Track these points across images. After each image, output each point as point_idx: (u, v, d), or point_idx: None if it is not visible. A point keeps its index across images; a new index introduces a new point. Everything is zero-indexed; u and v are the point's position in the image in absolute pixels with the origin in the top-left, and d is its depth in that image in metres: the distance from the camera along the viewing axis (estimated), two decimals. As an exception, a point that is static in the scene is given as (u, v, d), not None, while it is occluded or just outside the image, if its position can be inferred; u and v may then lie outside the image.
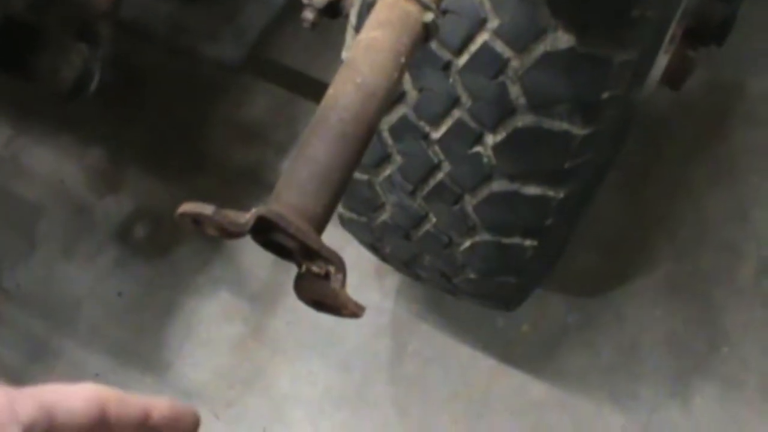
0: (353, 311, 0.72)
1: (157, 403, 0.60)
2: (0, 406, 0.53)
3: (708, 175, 2.11)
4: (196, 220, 0.71)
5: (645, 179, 2.12)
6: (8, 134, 2.25)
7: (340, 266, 0.71)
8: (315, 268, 0.72)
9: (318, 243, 0.71)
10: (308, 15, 1.56)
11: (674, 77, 1.67)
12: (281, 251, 0.74)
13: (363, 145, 0.75)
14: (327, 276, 0.72)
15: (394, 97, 0.77)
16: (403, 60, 0.78)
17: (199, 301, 2.06)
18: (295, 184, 0.73)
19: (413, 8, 0.81)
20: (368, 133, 0.75)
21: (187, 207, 0.70)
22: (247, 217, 0.69)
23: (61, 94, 1.53)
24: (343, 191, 0.75)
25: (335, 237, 1.80)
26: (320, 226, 0.73)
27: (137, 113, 2.25)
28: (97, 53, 1.54)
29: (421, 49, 1.15)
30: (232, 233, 0.70)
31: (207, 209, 0.69)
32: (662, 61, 1.61)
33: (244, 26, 2.33)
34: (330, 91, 0.76)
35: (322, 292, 0.72)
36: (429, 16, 0.81)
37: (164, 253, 2.12)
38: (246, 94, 2.25)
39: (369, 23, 0.80)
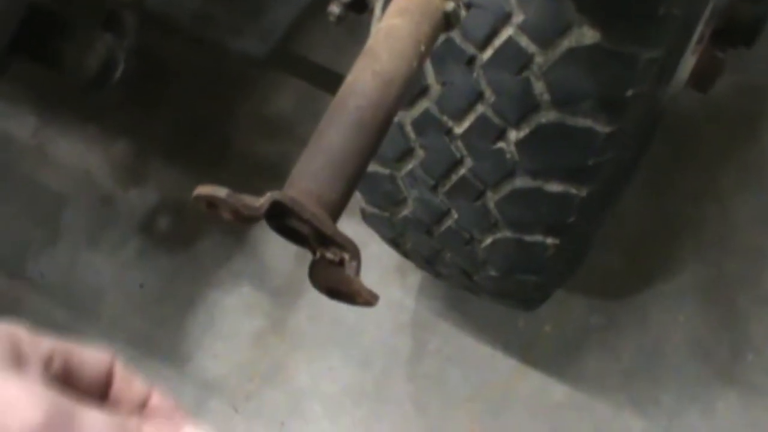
0: (367, 299, 0.72)
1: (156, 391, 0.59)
2: (24, 337, 0.53)
3: (735, 179, 2.08)
4: (211, 203, 0.71)
5: (671, 181, 2.10)
6: (34, 124, 2.27)
7: (355, 253, 0.71)
8: (329, 255, 0.71)
9: (332, 229, 0.71)
10: (334, 9, 1.55)
11: (702, 79, 1.66)
12: (296, 237, 0.73)
13: (380, 133, 0.74)
14: (341, 263, 0.71)
15: (413, 85, 0.76)
16: (423, 48, 0.77)
17: (221, 294, 2.06)
18: (310, 171, 0.73)
19: (434, -4, 0.80)
20: (386, 121, 0.74)
21: (202, 189, 0.70)
22: (261, 201, 0.69)
23: (85, 83, 1.53)
24: (359, 179, 0.74)
25: (358, 233, 1.81)
26: (335, 213, 0.73)
27: (163, 106, 2.26)
28: (123, 43, 1.54)
29: (441, 38, 1.16)
30: (247, 217, 0.70)
31: (221, 192, 0.69)
32: (690, 62, 1.59)
33: (270, 20, 2.32)
34: (348, 79, 0.75)
35: (336, 279, 0.72)
36: (450, 5, 0.81)
37: (187, 245, 2.12)
38: (271, 89, 2.25)
39: (390, 11, 0.80)
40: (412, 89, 1.23)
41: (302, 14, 2.24)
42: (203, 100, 2.27)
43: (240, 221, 0.71)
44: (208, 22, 2.33)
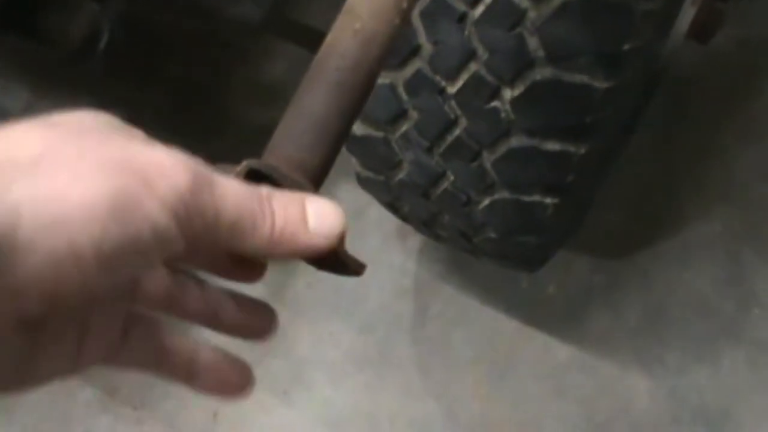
0: (354, 269, 0.69)
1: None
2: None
3: (737, 133, 2.05)
4: None
5: (672, 137, 2.07)
6: (27, 98, 2.24)
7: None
8: (312, 223, 0.68)
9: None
10: (324, -31, 1.53)
11: (702, 30, 1.62)
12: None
13: (363, 94, 0.71)
14: (326, 232, 0.69)
15: (397, 42, 0.73)
16: (405, 5, 0.74)
17: (220, 264, 2.05)
18: (290, 136, 0.70)
19: (416, -49, 0.77)
20: (368, 81, 0.71)
21: None
22: (237, 169, 0.66)
23: (70, 55, 1.50)
24: (342, 143, 0.71)
25: (358, 198, 1.80)
26: (317, 180, 0.70)
27: (156, 74, 2.23)
28: (107, 12, 1.51)
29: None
30: None
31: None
32: (689, 13, 1.56)
33: (264, -15, 2.30)
34: (328, 39, 0.72)
35: (320, 248, 0.69)
36: (433, -41, 0.78)
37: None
38: (266, 55, 2.22)
39: (369, -33, 0.76)
40: (398, 47, 1.20)
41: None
42: (197, 68, 2.24)
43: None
44: (200, -13, 2.30)
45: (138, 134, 0.56)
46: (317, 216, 0.60)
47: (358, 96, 0.71)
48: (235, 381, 0.66)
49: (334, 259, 0.70)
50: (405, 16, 0.74)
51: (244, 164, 0.66)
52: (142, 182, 0.48)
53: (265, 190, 0.58)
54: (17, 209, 0.44)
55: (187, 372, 0.63)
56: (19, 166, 0.46)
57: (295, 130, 0.71)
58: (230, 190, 0.55)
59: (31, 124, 0.50)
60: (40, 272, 0.44)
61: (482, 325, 1.95)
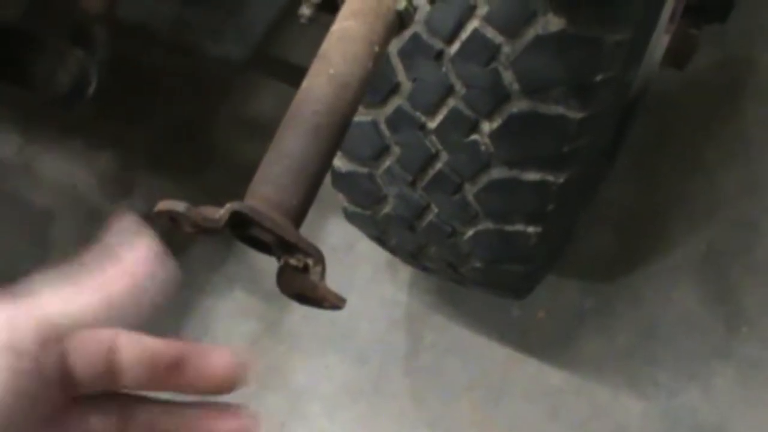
0: (334, 303, 0.72)
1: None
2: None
3: (721, 152, 2.08)
4: (172, 217, 0.71)
5: (657, 159, 2.10)
6: (18, 142, 2.26)
7: (319, 259, 0.71)
8: (293, 262, 0.71)
9: (295, 236, 0.70)
10: (305, 11, 1.55)
11: (677, 57, 1.65)
12: (260, 245, 0.73)
13: (338, 136, 0.74)
14: (306, 269, 0.71)
15: (368, 86, 0.76)
16: (377, 49, 0.77)
17: (215, 300, 2.07)
18: (270, 178, 0.73)
19: (386, -4, 0.80)
20: (343, 124, 0.74)
21: (163, 205, 0.70)
22: (221, 212, 0.69)
23: (59, 100, 1.53)
24: (320, 183, 0.74)
25: (348, 232, 1.82)
26: (297, 219, 0.73)
27: (144, 114, 2.26)
28: (94, 57, 1.54)
29: (408, 33, 1.16)
30: (208, 229, 0.70)
31: (180, 206, 0.69)
32: (663, 40, 1.59)
33: (248, 23, 2.33)
34: (303, 84, 0.75)
35: (302, 285, 0.72)
36: (402, 4, 0.80)
37: (178, 252, 2.11)
38: (252, 92, 2.25)
39: (342, 14, 0.80)
40: (378, 85, 1.23)
41: (278, 16, 2.25)
42: (184, 107, 2.26)
43: (202, 233, 0.71)
44: (186, 28, 2.33)
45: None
46: None
47: (334, 138, 0.74)
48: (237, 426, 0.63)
49: (314, 294, 0.73)
50: (377, 60, 0.77)
51: (228, 207, 0.69)
52: None
53: None
54: None
55: None
56: None
57: (275, 173, 0.74)
58: None
59: None
60: None
61: (475, 352, 1.96)
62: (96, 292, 0.58)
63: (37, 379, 0.53)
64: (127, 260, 0.60)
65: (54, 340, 0.55)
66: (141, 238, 0.61)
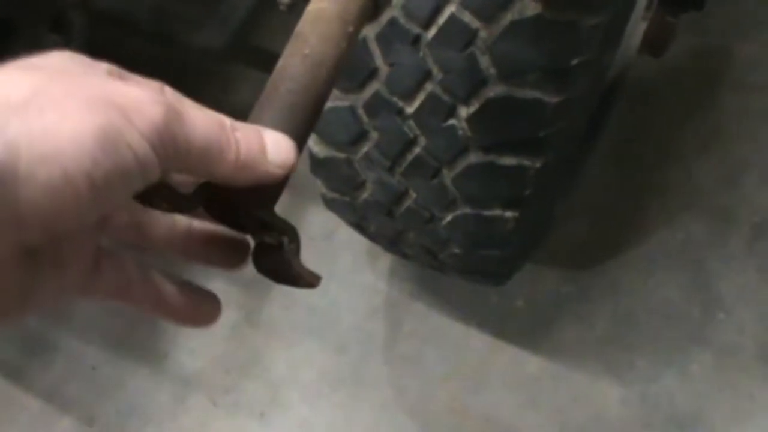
0: (309, 281, 0.72)
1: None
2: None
3: (697, 141, 2.10)
4: (146, 194, 0.71)
5: (634, 148, 2.11)
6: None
7: (293, 236, 0.71)
8: (268, 239, 0.71)
9: (269, 213, 0.71)
10: (283, -2, 1.56)
11: (654, 44, 1.66)
12: (235, 223, 0.73)
13: (314, 114, 0.74)
14: (281, 246, 0.71)
15: (343, 65, 0.76)
16: (351, 29, 0.77)
17: (193, 290, 2.06)
18: (245, 157, 0.73)
19: (361, -23, 0.80)
20: (317, 103, 0.74)
21: None
22: (191, 192, 0.69)
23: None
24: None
25: (327, 220, 1.82)
26: (273, 197, 0.73)
27: (123, 104, 2.25)
28: (71, 44, 1.53)
29: (385, 17, 1.16)
30: (182, 205, 0.70)
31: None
32: (640, 27, 1.60)
33: (227, 12, 2.32)
34: (278, 64, 0.75)
35: (276, 262, 0.72)
36: (376, -16, 0.81)
37: (157, 243, 2.12)
38: (231, 81, 2.25)
39: (316, -6, 0.80)
40: (355, 70, 1.23)
41: (257, 4, 2.24)
42: (163, 96, 2.26)
43: (176, 210, 0.71)
44: (165, 16, 2.32)
45: (110, 69, 0.60)
46: (274, 146, 0.66)
47: (310, 116, 0.74)
48: (202, 310, 0.72)
49: (289, 272, 0.73)
50: (351, 40, 0.77)
51: (201, 183, 0.69)
52: (122, 117, 0.53)
53: (228, 120, 0.64)
54: (16, 145, 0.49)
55: (155, 302, 0.69)
56: (12, 107, 0.51)
57: (250, 152, 0.73)
58: (199, 121, 0.60)
59: (14, 67, 0.56)
60: (40, 202, 0.50)
61: (454, 340, 1.97)
62: None
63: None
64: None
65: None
66: None
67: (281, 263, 0.72)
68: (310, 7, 0.79)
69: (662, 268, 1.99)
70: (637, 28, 1.59)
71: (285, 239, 0.71)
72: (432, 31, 1.19)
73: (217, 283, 2.06)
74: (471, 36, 1.17)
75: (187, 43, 2.28)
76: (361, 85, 1.27)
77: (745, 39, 2.21)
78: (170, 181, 0.67)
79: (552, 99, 1.19)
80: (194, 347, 2.02)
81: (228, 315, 2.04)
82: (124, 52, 2.26)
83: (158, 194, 0.68)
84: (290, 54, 0.76)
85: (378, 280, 2.04)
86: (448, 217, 1.38)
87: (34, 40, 1.50)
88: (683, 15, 1.73)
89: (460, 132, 1.25)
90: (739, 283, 1.96)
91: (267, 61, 2.29)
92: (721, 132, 2.12)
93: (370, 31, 1.20)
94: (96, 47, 1.69)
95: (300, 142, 0.73)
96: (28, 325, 2.05)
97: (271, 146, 0.66)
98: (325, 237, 2.04)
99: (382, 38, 1.22)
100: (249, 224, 0.72)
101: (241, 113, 2.17)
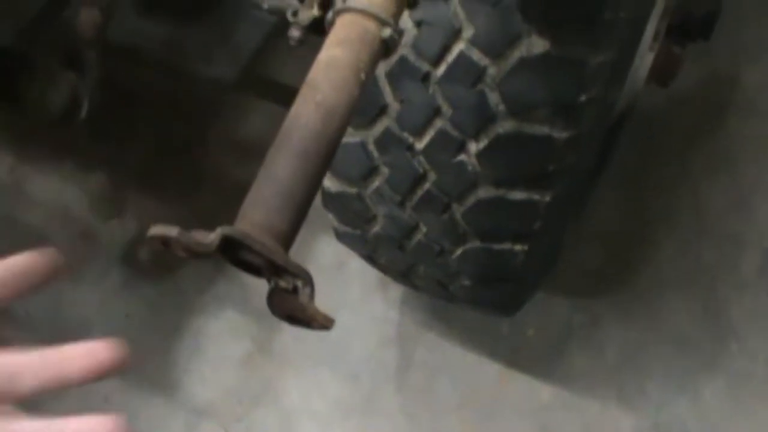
0: (323, 323, 0.73)
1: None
2: None
3: (707, 167, 2.11)
4: (165, 242, 0.72)
5: (644, 175, 2.12)
6: (10, 162, 2.27)
7: (308, 280, 0.73)
8: (283, 284, 0.73)
9: (284, 259, 0.72)
10: (294, 33, 1.57)
11: (661, 74, 1.68)
12: (251, 268, 0.75)
13: (325, 161, 0.76)
14: (295, 290, 0.73)
15: (356, 109, 0.78)
16: (363, 76, 0.79)
17: (206, 320, 2.08)
18: (260, 203, 0.75)
19: (371, 25, 0.82)
20: (330, 149, 0.76)
21: (155, 230, 0.72)
22: (212, 237, 0.70)
23: (51, 122, 1.55)
24: (308, 207, 0.76)
25: (338, 251, 1.83)
26: (287, 242, 0.74)
27: (135, 136, 2.27)
28: (86, 80, 1.56)
29: (396, 57, 1.18)
30: (200, 253, 0.71)
31: (173, 231, 0.71)
32: (648, 58, 1.61)
33: (237, 45, 2.35)
34: (291, 111, 0.77)
35: (291, 306, 0.74)
36: (387, 32, 0.82)
37: (169, 273, 2.13)
38: (241, 113, 2.26)
39: (329, 42, 0.81)
40: (366, 107, 1.25)
41: (267, 37, 2.27)
42: (175, 128, 2.28)
43: (194, 257, 0.73)
44: (176, 49, 2.35)
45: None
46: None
47: (322, 164, 0.76)
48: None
49: (304, 315, 0.74)
50: (363, 87, 0.79)
51: (219, 231, 0.71)
52: None
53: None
54: None
55: None
56: None
57: (264, 197, 0.75)
58: None
59: None
60: None
61: (466, 370, 1.98)
62: None
63: None
64: None
65: None
66: None
67: (296, 307, 0.73)
68: (322, 55, 0.81)
69: (673, 295, 2.00)
70: (644, 59, 1.60)
71: (299, 283, 0.73)
72: (441, 69, 1.20)
73: (229, 313, 2.08)
74: (480, 73, 1.19)
75: (197, 75, 2.31)
76: (372, 122, 1.29)
77: (751, 65, 2.22)
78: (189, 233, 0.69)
79: (560, 134, 1.21)
80: (207, 376, 2.03)
81: (240, 344, 2.05)
82: (136, 84, 2.30)
83: (177, 243, 0.70)
84: (303, 101, 0.78)
85: (389, 309, 2.05)
86: (459, 251, 1.40)
87: (49, 75, 1.52)
88: (690, 45, 1.75)
89: (470, 167, 1.26)
90: (751, 309, 1.96)
91: (276, 92, 2.32)
92: (730, 158, 2.12)
93: (380, 69, 1.22)
94: (108, 80, 1.71)
95: (313, 188, 0.75)
96: (41, 355, 2.06)
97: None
98: (336, 267, 2.05)
99: (393, 75, 1.23)
100: (265, 269, 0.74)
101: (250, 144, 2.19)
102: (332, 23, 0.84)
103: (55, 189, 2.25)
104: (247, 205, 0.75)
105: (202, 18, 2.38)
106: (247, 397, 2.00)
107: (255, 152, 2.36)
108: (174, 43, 2.37)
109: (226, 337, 2.06)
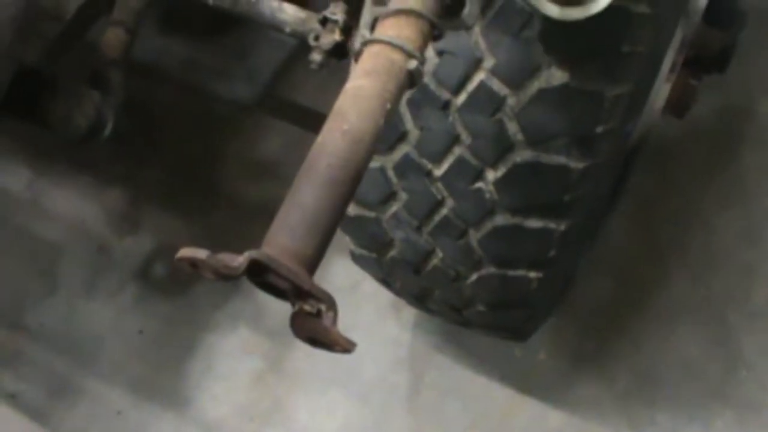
0: (345, 347, 0.75)
1: None
2: None
3: (719, 198, 2.12)
4: (193, 264, 0.74)
5: (656, 205, 2.13)
6: (28, 177, 2.30)
7: (331, 305, 0.75)
8: (307, 307, 0.75)
9: (309, 283, 0.74)
10: (316, 56, 1.60)
11: (677, 106, 1.70)
12: (276, 291, 0.77)
13: (351, 189, 0.78)
14: (319, 314, 0.75)
15: (380, 141, 0.80)
16: (389, 106, 0.81)
17: (219, 337, 2.09)
18: (286, 228, 0.77)
19: (398, 56, 0.84)
20: (356, 177, 0.78)
21: (184, 252, 0.74)
22: (240, 260, 0.72)
23: (75, 141, 1.57)
24: (333, 233, 0.78)
25: (352, 273, 1.85)
26: (312, 267, 0.76)
27: (153, 153, 2.30)
28: (110, 100, 1.58)
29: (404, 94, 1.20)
30: (227, 275, 0.73)
31: (201, 254, 0.73)
32: (664, 90, 1.63)
33: (256, 65, 2.37)
34: (319, 139, 0.79)
35: (314, 329, 0.76)
36: (413, 64, 0.84)
37: (183, 290, 2.15)
38: (259, 132, 2.29)
39: (356, 73, 0.83)
40: (386, 133, 1.27)
41: (286, 58, 2.29)
42: (192, 146, 2.30)
43: (222, 279, 0.75)
44: (196, 69, 2.38)
45: None
46: None
47: (347, 191, 0.78)
48: None
49: (326, 338, 0.76)
50: (389, 117, 0.81)
51: (246, 255, 0.73)
52: None
53: None
54: None
55: None
56: None
57: (291, 223, 0.77)
58: None
59: None
60: None
61: (476, 393, 1.98)
62: None
63: None
64: None
65: None
66: None
67: (319, 330, 0.75)
68: (350, 85, 0.83)
69: (683, 323, 2.00)
70: (660, 92, 1.62)
71: (323, 307, 0.75)
72: (462, 98, 1.22)
73: (242, 330, 2.10)
74: (499, 102, 1.21)
75: (216, 94, 2.33)
76: (392, 147, 1.31)
77: (765, 97, 2.23)
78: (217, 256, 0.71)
79: (577, 164, 1.23)
80: (218, 393, 2.04)
81: (252, 363, 2.06)
82: (155, 102, 2.32)
83: (204, 265, 0.72)
84: (330, 129, 0.80)
85: (402, 331, 2.06)
86: (474, 277, 1.41)
87: (74, 95, 1.54)
88: (705, 77, 1.77)
89: (487, 195, 1.28)
90: (761, 338, 1.97)
91: (294, 113, 2.34)
92: (742, 188, 2.14)
93: (401, 96, 1.24)
94: (128, 98, 1.74)
95: (338, 215, 0.77)
96: (54, 368, 2.08)
97: None
98: (350, 288, 2.06)
99: (413, 103, 1.26)
100: (289, 292, 0.75)
101: (267, 164, 2.21)
102: (360, 53, 0.86)
103: (72, 204, 2.27)
104: (273, 230, 0.77)
105: (221, 38, 2.41)
106: (258, 415, 2.01)
107: (271, 172, 2.39)
108: (194, 63, 2.40)
109: (238, 354, 2.07)
